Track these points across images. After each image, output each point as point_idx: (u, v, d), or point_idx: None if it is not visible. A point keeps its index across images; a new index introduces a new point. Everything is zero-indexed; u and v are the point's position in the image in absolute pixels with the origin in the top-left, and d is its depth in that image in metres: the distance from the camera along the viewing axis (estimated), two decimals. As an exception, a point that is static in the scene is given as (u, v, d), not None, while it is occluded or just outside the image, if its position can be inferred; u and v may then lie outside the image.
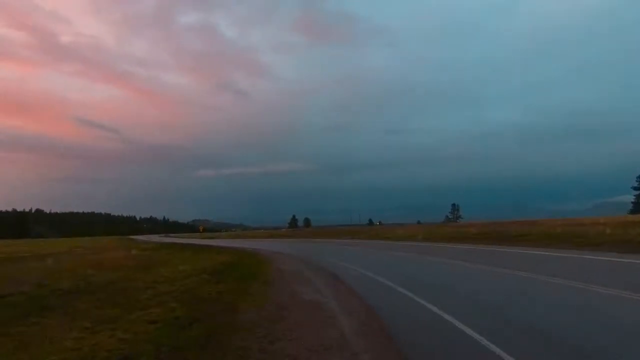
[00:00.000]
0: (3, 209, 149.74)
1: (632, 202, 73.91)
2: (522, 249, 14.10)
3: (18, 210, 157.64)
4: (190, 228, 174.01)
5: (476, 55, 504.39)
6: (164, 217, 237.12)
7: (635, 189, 72.80)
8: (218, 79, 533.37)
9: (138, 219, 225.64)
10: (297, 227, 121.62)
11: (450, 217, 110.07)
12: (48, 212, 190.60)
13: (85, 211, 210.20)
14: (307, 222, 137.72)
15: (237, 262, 14.35)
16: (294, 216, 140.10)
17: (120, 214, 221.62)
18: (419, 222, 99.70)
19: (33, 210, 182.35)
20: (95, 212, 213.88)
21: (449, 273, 9.68)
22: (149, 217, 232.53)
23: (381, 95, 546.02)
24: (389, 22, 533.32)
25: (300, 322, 4.96)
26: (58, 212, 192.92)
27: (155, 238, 71.43)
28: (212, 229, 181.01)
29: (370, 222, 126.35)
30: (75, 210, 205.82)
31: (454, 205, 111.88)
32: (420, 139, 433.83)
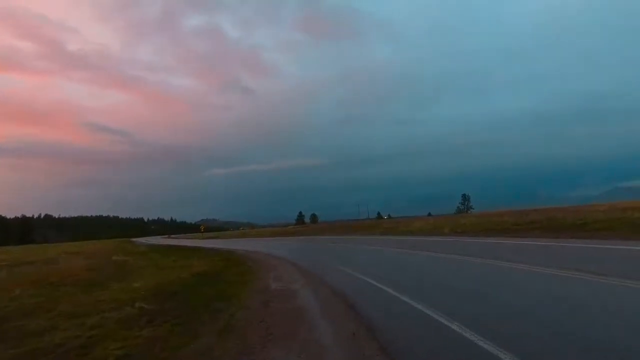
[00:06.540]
0: (10, 215, 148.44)
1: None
2: (610, 243, 10.02)
3: (27, 216, 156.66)
4: (196, 228, 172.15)
5: (481, 45, 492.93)
6: (172, 218, 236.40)
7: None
8: (224, 79, 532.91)
9: (146, 220, 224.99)
10: (304, 224, 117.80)
11: (461, 207, 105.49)
12: (57, 216, 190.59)
13: (94, 215, 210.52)
14: (313, 218, 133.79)
15: (214, 273, 10.54)
16: (300, 212, 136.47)
17: (128, 217, 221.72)
18: (429, 214, 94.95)
19: (42, 216, 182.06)
20: (104, 215, 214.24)
21: (593, 300, 4.65)
22: (156, 218, 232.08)
23: (388, 87, 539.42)
24: (391, 15, 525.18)
25: None
26: (66, 216, 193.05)
27: (155, 240, 68.63)
28: (220, 228, 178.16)
29: (379, 216, 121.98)
30: (84, 214, 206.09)
31: (464, 195, 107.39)
32: (428, 129, 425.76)
